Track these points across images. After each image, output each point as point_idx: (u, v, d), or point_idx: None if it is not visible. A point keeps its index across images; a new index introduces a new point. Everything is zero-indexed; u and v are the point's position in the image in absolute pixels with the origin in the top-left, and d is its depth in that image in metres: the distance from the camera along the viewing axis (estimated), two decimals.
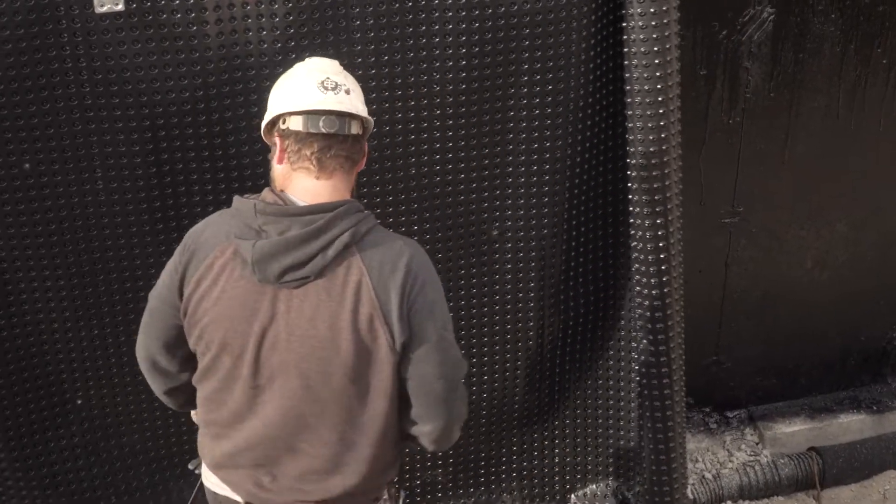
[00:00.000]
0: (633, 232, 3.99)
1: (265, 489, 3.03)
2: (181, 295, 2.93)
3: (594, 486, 4.65)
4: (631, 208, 3.96)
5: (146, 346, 3.06)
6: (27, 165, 3.69)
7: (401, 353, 2.87)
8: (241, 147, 3.80)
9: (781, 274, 5.08)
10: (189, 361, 3.05)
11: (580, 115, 4.01)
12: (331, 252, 2.81)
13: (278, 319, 2.85)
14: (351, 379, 2.87)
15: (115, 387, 4.11)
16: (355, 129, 2.91)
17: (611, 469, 4.62)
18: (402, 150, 3.94)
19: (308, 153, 2.86)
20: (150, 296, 3.04)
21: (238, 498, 3.09)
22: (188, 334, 2.97)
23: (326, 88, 2.89)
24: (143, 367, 3.13)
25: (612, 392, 4.50)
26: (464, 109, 3.92)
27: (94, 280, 3.93)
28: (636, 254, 4.02)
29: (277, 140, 2.93)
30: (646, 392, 4.16)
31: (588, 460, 4.62)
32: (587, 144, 4.09)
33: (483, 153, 4.02)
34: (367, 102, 3.60)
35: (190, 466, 3.38)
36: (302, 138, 2.87)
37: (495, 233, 4.16)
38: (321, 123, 2.85)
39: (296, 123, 2.87)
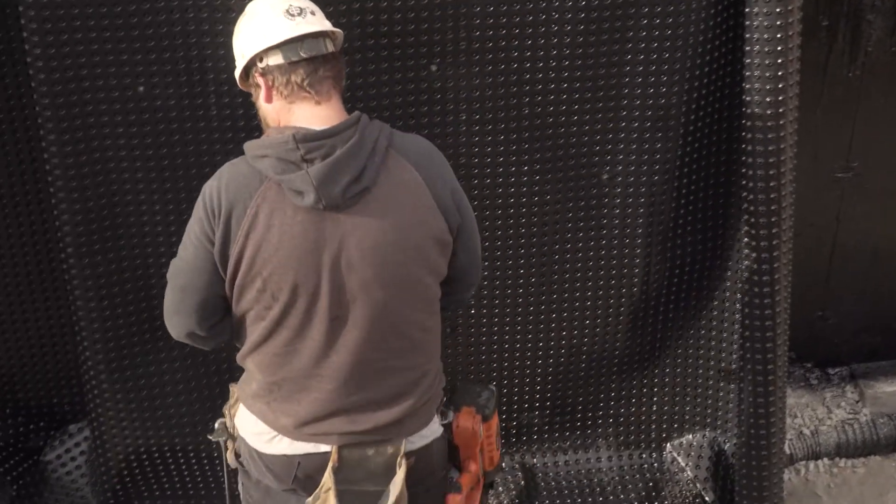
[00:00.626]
0: (745, 182, 3.92)
1: (359, 422, 3.02)
2: (224, 257, 2.89)
3: (690, 437, 4.62)
4: (744, 158, 3.89)
5: (183, 325, 3.02)
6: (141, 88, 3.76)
7: (454, 237, 3.00)
8: None
9: (893, 231, 4.98)
10: (223, 325, 3.06)
11: (697, 60, 3.94)
12: (377, 158, 2.86)
13: (347, 240, 2.85)
14: (424, 274, 2.96)
15: None
16: (330, 46, 2.92)
17: (708, 420, 4.58)
18: (515, 89, 3.92)
19: (298, 81, 2.87)
20: (174, 275, 2.99)
21: (326, 448, 3.04)
22: (242, 294, 2.93)
23: (293, 15, 2.89)
24: (182, 340, 3.11)
25: (713, 342, 4.46)
26: (580, 51, 3.88)
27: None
28: (747, 204, 3.95)
29: (260, 80, 2.93)
30: (748, 344, 4.11)
31: (686, 410, 4.59)
32: (703, 91, 4.02)
33: (598, 96, 3.97)
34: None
35: (212, 438, 3.31)
36: (285, 70, 2.87)
37: (605, 177, 4.12)
38: (301, 50, 2.86)
39: (275, 58, 2.87)
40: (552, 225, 4.17)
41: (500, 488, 4.46)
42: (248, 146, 2.90)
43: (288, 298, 2.88)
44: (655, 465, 4.62)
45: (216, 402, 4.27)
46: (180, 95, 3.78)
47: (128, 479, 4.39)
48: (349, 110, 2.95)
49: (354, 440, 3.03)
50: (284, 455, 3.06)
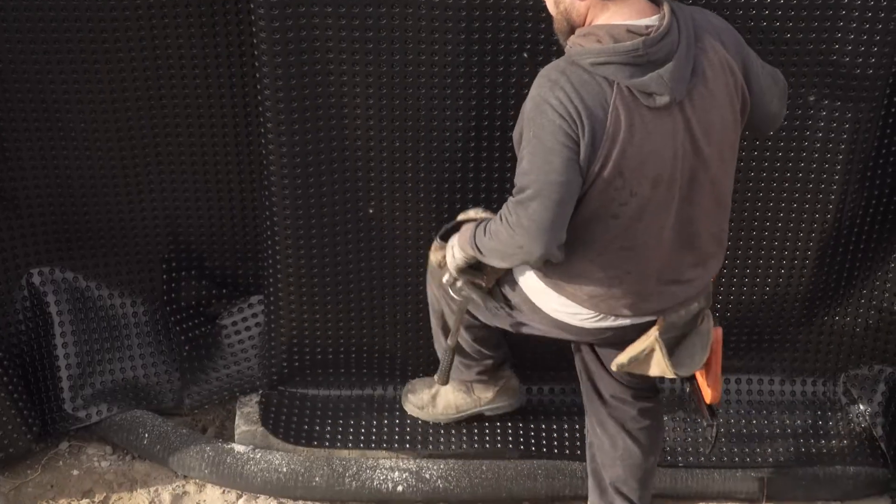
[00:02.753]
0: None
1: (683, 291, 3.33)
2: (588, 162, 2.95)
3: (866, 370, 4.56)
4: None
5: (554, 240, 3.03)
6: None
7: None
8: None
9: None
10: None
11: None
12: (698, 44, 3.02)
13: (693, 127, 3.03)
14: (735, 140, 3.21)
15: (407, 201, 4.17)
16: None
17: (887, 355, 4.52)
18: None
19: None
20: (544, 191, 2.96)
21: (649, 318, 3.34)
22: (595, 195, 3.02)
23: None
24: (544, 259, 3.12)
25: None
26: None
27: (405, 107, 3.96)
28: None
29: None
30: None
31: (865, 343, 4.51)
32: None
33: (814, 15, 3.84)
34: None
35: (456, 296, 3.63)
36: None
37: (812, 98, 4.00)
38: None
39: None
40: (751, 141, 4.08)
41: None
42: (582, 54, 2.96)
43: (648, 192, 3.04)
44: (827, 395, 4.58)
45: (392, 289, 4.36)
46: None
47: (296, 359, 4.49)
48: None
49: (676, 307, 3.35)
50: (598, 328, 3.37)
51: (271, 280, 4.29)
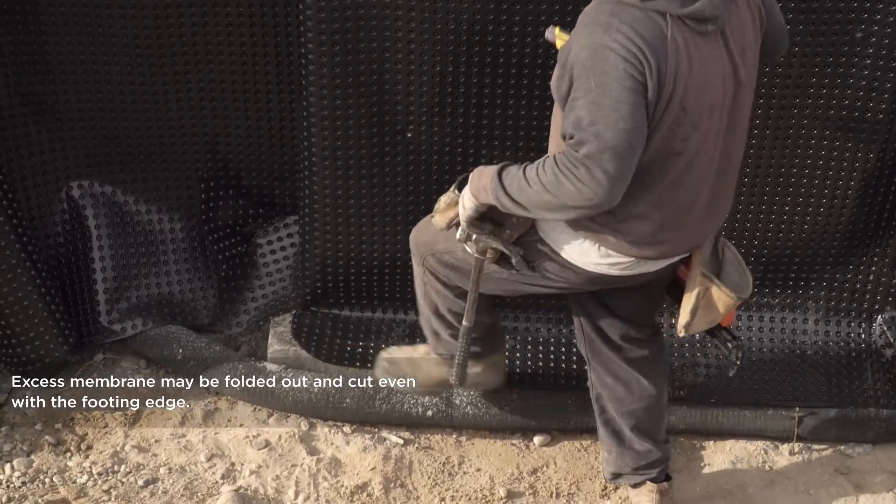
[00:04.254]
0: None
1: (712, 225, 3.33)
2: (654, 102, 2.88)
3: None
4: None
5: (620, 193, 2.93)
6: None
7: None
8: None
9: None
10: None
11: None
12: None
13: (732, 49, 3.00)
14: (758, 64, 3.20)
15: (445, 125, 4.14)
16: None
17: None
18: None
19: None
20: (622, 141, 2.84)
21: (679, 257, 3.33)
22: (668, 137, 2.97)
23: None
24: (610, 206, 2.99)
25: None
26: None
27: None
28: None
29: None
30: None
31: None
32: None
33: None
34: None
35: (473, 252, 3.42)
36: None
37: (859, 35, 3.94)
38: None
39: None
40: (795, 79, 4.04)
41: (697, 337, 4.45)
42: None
43: (706, 123, 3.01)
44: (863, 336, 4.52)
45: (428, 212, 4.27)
46: None
47: (329, 280, 4.48)
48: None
49: (704, 242, 3.37)
50: (632, 275, 3.28)
51: (307, 200, 4.28)
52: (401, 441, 4.17)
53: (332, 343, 4.42)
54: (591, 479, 4.06)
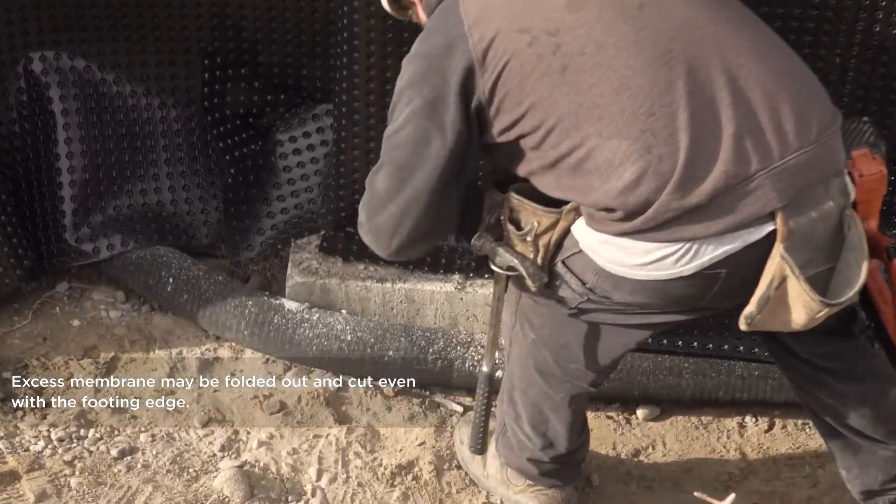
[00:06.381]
0: None
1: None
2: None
3: None
4: None
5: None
6: None
7: None
8: None
9: None
10: None
11: None
12: None
13: None
14: None
15: None
16: None
17: None
18: None
19: None
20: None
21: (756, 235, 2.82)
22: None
23: None
24: None
25: None
26: None
27: None
28: None
29: None
30: None
31: None
32: None
33: None
34: None
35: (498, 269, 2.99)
36: None
37: None
38: None
39: None
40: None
41: None
42: None
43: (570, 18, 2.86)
44: None
45: None
46: None
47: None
48: None
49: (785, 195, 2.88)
50: (701, 270, 2.75)
51: (343, 84, 3.85)
52: (460, 409, 3.83)
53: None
54: (708, 466, 3.74)
